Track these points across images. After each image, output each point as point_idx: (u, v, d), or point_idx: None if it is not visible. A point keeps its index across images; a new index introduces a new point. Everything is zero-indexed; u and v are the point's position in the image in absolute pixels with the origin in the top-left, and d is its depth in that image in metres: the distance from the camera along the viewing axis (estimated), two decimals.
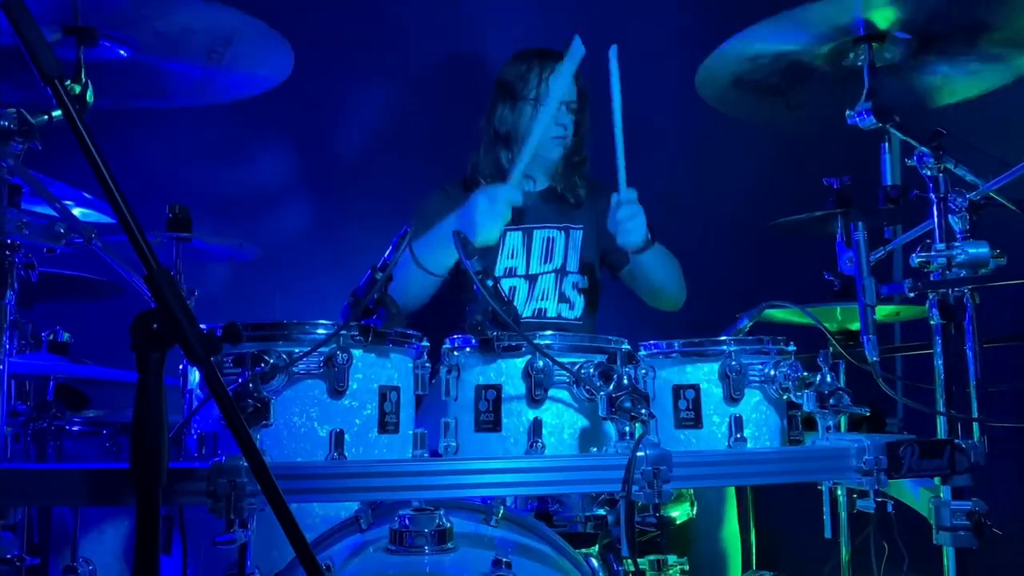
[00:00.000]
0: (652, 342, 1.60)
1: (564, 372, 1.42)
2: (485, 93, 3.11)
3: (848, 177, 1.79)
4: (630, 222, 2.16)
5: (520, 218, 2.39)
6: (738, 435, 1.50)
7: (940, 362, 1.50)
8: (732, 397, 1.52)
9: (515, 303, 2.40)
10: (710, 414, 1.53)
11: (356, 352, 1.39)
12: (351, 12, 3.11)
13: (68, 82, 1.33)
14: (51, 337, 1.76)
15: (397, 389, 1.45)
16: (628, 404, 1.32)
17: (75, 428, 1.94)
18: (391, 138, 3.14)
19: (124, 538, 1.92)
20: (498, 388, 1.44)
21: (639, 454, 1.26)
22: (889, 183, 1.72)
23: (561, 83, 2.21)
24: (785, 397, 1.54)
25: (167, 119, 2.87)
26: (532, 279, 2.48)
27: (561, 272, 2.49)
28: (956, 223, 1.56)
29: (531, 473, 1.30)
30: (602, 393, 1.35)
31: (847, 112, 1.52)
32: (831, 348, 1.59)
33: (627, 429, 1.32)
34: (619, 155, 2.13)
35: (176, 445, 1.34)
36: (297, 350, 1.36)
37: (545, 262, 2.49)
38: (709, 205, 3.15)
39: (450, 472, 1.27)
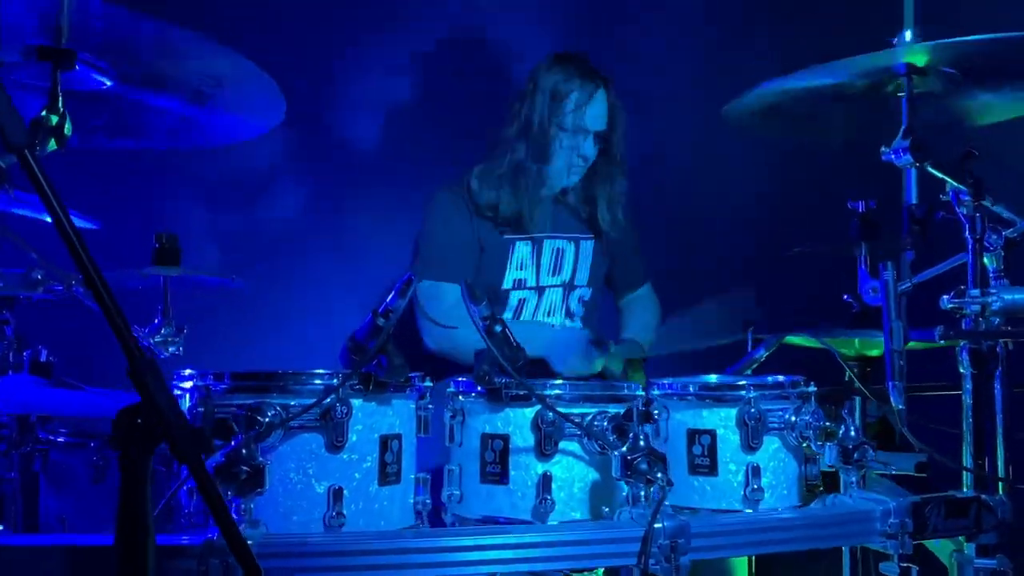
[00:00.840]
0: (667, 382, 1.53)
1: (576, 419, 1.35)
2: (485, 76, 3.03)
3: (873, 201, 1.69)
4: None
5: (530, 227, 2.31)
6: (755, 485, 1.43)
7: (970, 415, 1.43)
8: (750, 445, 1.45)
9: (523, 317, 2.35)
10: (726, 461, 1.46)
11: (356, 402, 1.31)
12: None
13: (43, 112, 1.23)
14: (33, 358, 1.67)
15: (399, 437, 1.37)
16: (644, 467, 1.25)
17: (61, 439, 1.87)
18: (390, 122, 3.02)
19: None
20: (505, 439, 1.37)
21: (656, 526, 1.20)
22: (914, 201, 1.63)
23: (593, 117, 2.24)
24: (805, 445, 1.47)
25: None
26: (540, 291, 2.41)
27: (569, 287, 2.43)
28: (990, 261, 1.48)
29: (538, 548, 1.23)
30: (616, 452, 1.28)
31: (883, 148, 1.43)
32: (850, 379, 1.52)
33: (643, 493, 1.25)
34: None
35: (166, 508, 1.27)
36: (294, 403, 1.28)
37: (554, 274, 2.41)
38: (724, 217, 3.06)
39: (449, 549, 1.20)
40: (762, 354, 1.80)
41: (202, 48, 1.25)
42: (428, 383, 1.44)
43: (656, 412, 1.48)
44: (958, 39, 1.36)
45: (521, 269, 2.39)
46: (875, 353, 1.81)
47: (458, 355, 2.31)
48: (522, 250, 2.38)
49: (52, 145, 1.20)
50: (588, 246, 2.45)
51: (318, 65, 2.96)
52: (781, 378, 1.51)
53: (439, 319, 2.29)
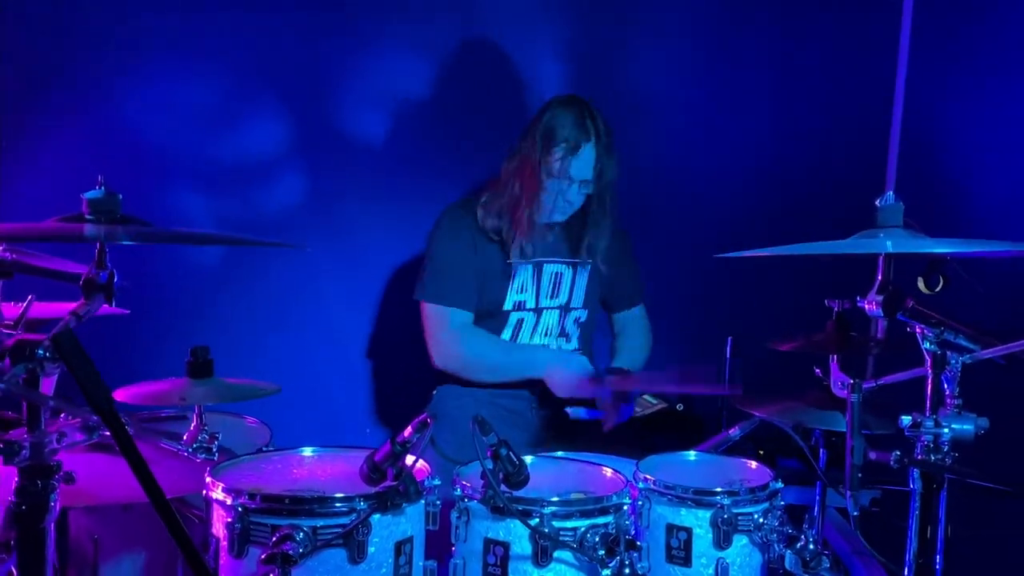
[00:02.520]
0: (652, 480, 1.69)
1: (569, 533, 1.52)
2: (485, 70, 3.06)
3: (848, 302, 1.82)
4: None
5: (531, 254, 2.43)
6: None
7: (915, 522, 1.61)
8: (721, 544, 1.64)
9: (521, 336, 2.49)
10: (700, 555, 1.66)
11: (374, 518, 1.47)
12: None
13: (94, 270, 1.33)
14: None
15: (411, 539, 1.55)
16: None
17: None
18: (389, 114, 3.06)
19: (141, 567, 2.06)
20: (506, 546, 1.54)
21: None
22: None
23: (577, 168, 2.33)
24: (768, 542, 1.66)
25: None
26: (539, 312, 2.54)
27: (565, 309, 2.56)
28: (949, 385, 1.63)
29: None
30: (605, 572, 1.46)
31: (857, 298, 1.56)
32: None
33: None
34: None
35: None
36: (321, 523, 1.44)
37: (552, 297, 2.55)
38: (713, 221, 3.16)
39: None
40: (737, 435, 1.97)
41: None
42: (437, 482, 1.61)
43: (641, 502, 1.67)
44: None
45: (522, 292, 2.52)
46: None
47: (463, 373, 2.50)
48: (523, 274, 2.51)
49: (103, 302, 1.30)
50: (584, 271, 2.58)
51: (319, 57, 2.98)
52: (752, 484, 1.68)
53: (444, 340, 2.45)
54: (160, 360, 2.52)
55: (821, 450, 2.10)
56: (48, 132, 2.79)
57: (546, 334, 2.56)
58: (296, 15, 2.94)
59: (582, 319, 2.60)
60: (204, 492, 1.55)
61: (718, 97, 3.25)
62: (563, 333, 2.58)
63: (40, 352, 1.19)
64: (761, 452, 2.55)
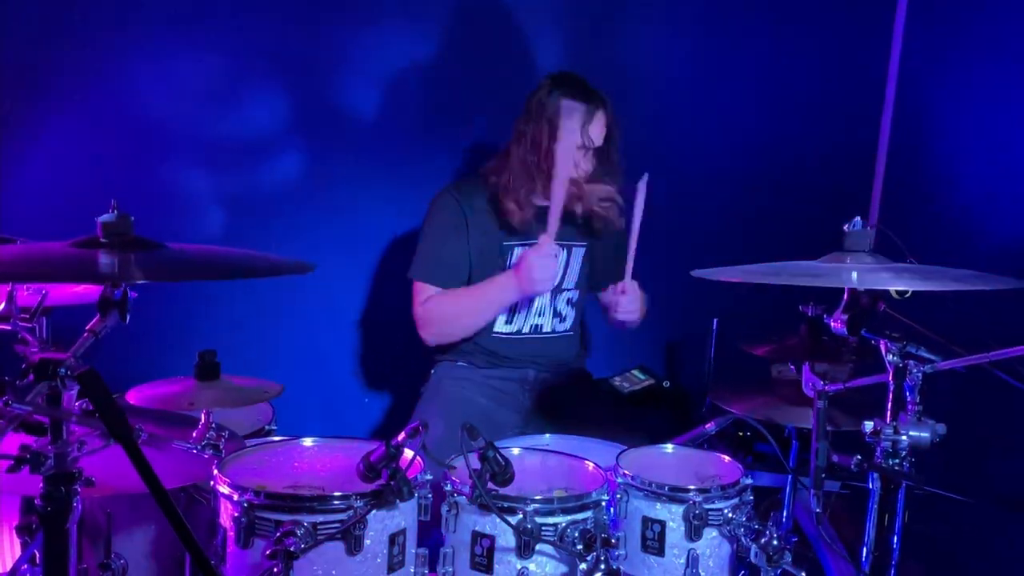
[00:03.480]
0: (630, 476, 1.81)
1: (550, 528, 1.65)
2: (481, 51, 3.12)
3: (821, 308, 1.92)
4: (631, 309, 2.48)
5: (532, 233, 2.51)
6: (693, 571, 1.76)
7: (874, 517, 1.73)
8: (692, 536, 1.76)
9: (514, 320, 2.59)
10: (672, 546, 1.78)
11: (369, 514, 1.59)
12: None
13: (109, 287, 1.42)
14: None
15: (404, 531, 1.67)
16: None
17: None
18: (386, 93, 3.12)
19: (152, 539, 2.19)
20: (492, 539, 1.67)
21: None
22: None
23: (593, 136, 2.46)
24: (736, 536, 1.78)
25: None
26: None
27: (557, 289, 2.65)
28: (910, 393, 1.74)
29: None
30: (582, 566, 1.59)
31: (824, 316, 1.65)
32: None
33: None
34: (630, 252, 2.43)
35: None
36: (320, 519, 1.56)
37: None
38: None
39: None
40: (712, 430, 2.08)
41: None
42: (429, 476, 1.72)
43: (619, 496, 1.80)
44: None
45: None
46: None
47: (448, 331, 2.61)
48: (518, 254, 2.59)
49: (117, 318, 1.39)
50: (579, 252, 2.68)
51: (318, 35, 3.03)
52: (723, 481, 1.80)
53: (424, 315, 2.55)
54: (153, 339, 2.65)
55: (793, 441, 2.23)
56: (48, 112, 2.85)
57: (539, 314, 2.65)
58: None
59: (574, 299, 2.70)
60: (211, 484, 1.67)
61: (709, 81, 3.32)
62: (557, 314, 2.67)
63: (62, 371, 1.29)
64: (741, 434, 2.68)
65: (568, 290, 2.68)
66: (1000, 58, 2.84)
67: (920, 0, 3.24)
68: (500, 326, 2.63)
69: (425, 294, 2.57)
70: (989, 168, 2.79)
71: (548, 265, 2.41)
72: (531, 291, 2.49)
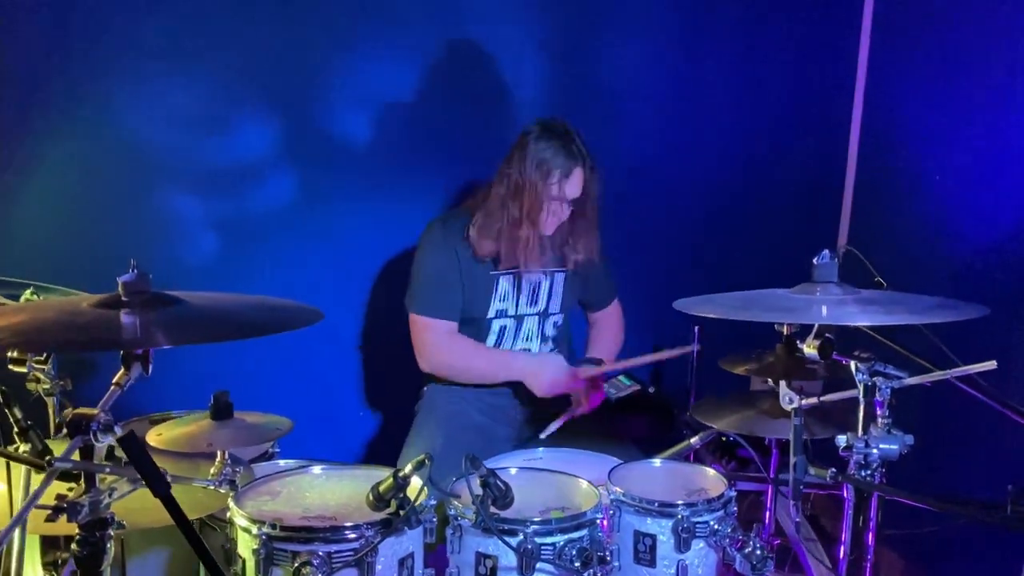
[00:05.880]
0: (621, 494, 1.93)
1: (549, 547, 1.77)
2: (468, 72, 3.21)
3: (796, 327, 2.05)
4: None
5: (517, 266, 2.63)
6: None
7: (849, 523, 1.86)
8: (681, 548, 1.89)
9: (503, 344, 2.70)
10: (663, 558, 1.90)
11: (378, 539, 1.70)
12: None
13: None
14: None
15: (412, 555, 1.78)
16: None
17: None
18: (376, 116, 3.20)
19: (163, 564, 2.28)
20: (495, 559, 1.78)
21: None
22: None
23: (570, 189, 2.54)
24: (722, 546, 1.91)
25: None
26: (519, 319, 2.75)
27: (543, 315, 2.78)
28: (880, 408, 1.86)
29: None
30: None
31: (797, 341, 1.78)
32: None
33: None
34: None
35: None
36: (335, 549, 1.67)
37: (531, 305, 2.76)
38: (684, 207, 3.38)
39: None
40: (697, 444, 2.20)
41: None
42: (432, 500, 1.84)
43: (612, 512, 1.92)
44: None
45: (503, 300, 2.73)
46: None
47: (448, 376, 2.73)
48: (505, 284, 2.72)
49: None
50: (560, 277, 2.80)
51: (306, 60, 3.11)
52: (709, 494, 1.93)
53: (430, 349, 2.67)
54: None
55: (773, 450, 2.35)
56: (42, 138, 2.90)
57: (527, 339, 2.78)
58: (283, 20, 3.05)
59: (559, 323, 2.83)
60: (227, 515, 1.78)
61: (685, 93, 3.45)
62: (543, 337, 2.79)
63: (95, 425, 1.39)
64: (724, 439, 2.80)
65: (554, 314, 2.80)
66: (957, 77, 3.00)
67: (883, 22, 3.39)
68: None
69: (430, 329, 2.67)
70: (956, 182, 2.93)
71: (561, 387, 2.64)
72: (533, 388, 2.66)
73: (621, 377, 3.21)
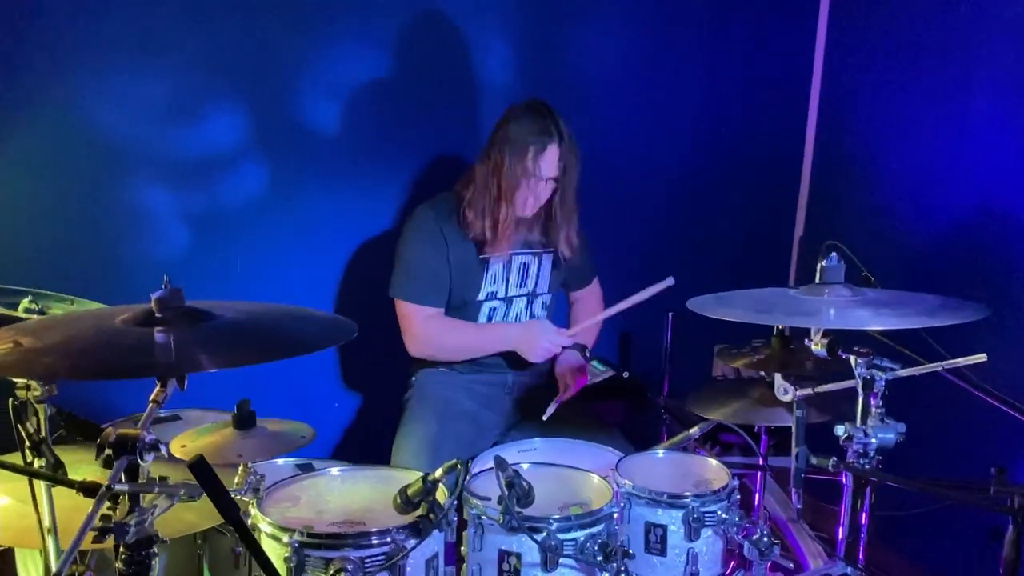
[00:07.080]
0: (632, 487, 2.00)
1: (571, 543, 1.82)
2: (441, 62, 3.21)
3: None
4: None
5: (504, 248, 2.67)
6: (693, 568, 1.97)
7: (848, 505, 1.97)
8: (691, 537, 1.97)
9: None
10: (673, 547, 1.98)
11: (409, 542, 1.73)
12: None
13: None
14: None
15: (437, 555, 1.82)
16: None
17: None
18: (347, 106, 3.17)
19: (164, 566, 2.27)
20: (519, 556, 1.83)
21: None
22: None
23: (545, 167, 2.53)
24: (730, 535, 1.99)
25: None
26: (509, 301, 2.80)
27: (532, 295, 2.82)
28: (876, 400, 1.96)
29: None
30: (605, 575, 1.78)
31: (805, 340, 1.86)
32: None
33: None
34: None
35: None
36: (367, 554, 1.70)
37: (520, 286, 2.80)
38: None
39: None
40: (696, 434, 2.29)
41: None
42: (453, 500, 1.87)
43: (623, 504, 1.98)
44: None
45: (494, 283, 2.77)
46: None
47: (438, 357, 2.79)
48: (495, 267, 2.75)
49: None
50: (548, 259, 2.85)
51: (278, 49, 3.06)
52: (716, 485, 2.01)
53: (418, 333, 2.69)
54: None
55: (763, 436, 2.45)
56: (6, 136, 2.80)
57: (516, 320, 2.82)
58: (249, 8, 3.00)
59: (547, 303, 2.89)
60: (249, 522, 1.78)
61: (646, 80, 3.53)
62: (532, 317, 2.85)
63: (139, 444, 1.38)
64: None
65: (542, 295, 2.85)
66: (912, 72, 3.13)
67: (838, 23, 3.52)
68: None
69: (418, 314, 2.69)
70: (913, 176, 3.07)
71: (553, 347, 2.67)
72: (526, 355, 2.70)
73: (595, 363, 3.29)
